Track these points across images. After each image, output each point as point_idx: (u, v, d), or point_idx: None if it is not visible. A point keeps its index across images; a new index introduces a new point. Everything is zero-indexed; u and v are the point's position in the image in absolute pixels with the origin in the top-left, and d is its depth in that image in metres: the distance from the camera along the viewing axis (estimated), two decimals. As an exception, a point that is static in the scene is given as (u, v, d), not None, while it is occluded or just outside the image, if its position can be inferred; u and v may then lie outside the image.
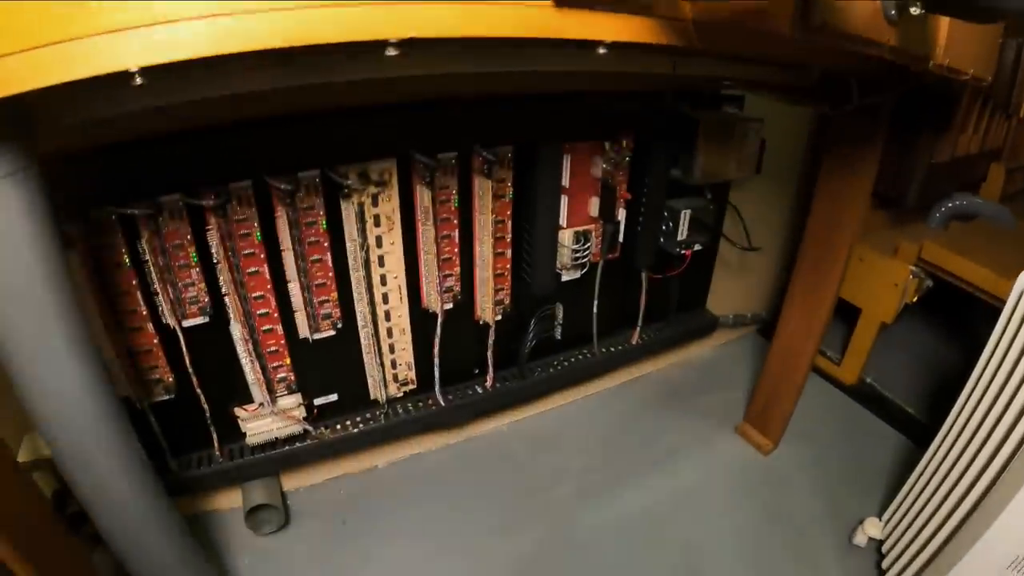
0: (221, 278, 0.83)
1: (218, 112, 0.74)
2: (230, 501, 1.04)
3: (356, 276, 0.89)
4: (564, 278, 1.04)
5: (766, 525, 1.05)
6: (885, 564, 0.96)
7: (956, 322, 1.57)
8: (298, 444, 0.96)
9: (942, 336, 1.57)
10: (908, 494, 0.96)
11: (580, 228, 1.01)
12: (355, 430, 0.98)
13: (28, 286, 0.53)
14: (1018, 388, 0.73)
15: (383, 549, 1.00)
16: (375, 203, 0.87)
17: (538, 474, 1.14)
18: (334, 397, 0.98)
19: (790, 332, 1.12)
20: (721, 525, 1.05)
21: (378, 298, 0.92)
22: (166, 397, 0.88)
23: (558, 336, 1.06)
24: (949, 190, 1.36)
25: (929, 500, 0.88)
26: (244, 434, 0.94)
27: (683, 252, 1.09)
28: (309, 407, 0.96)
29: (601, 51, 0.51)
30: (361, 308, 0.91)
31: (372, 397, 1.00)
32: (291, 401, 0.94)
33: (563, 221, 0.99)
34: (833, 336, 1.41)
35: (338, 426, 0.98)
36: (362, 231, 0.87)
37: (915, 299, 1.27)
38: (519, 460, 1.17)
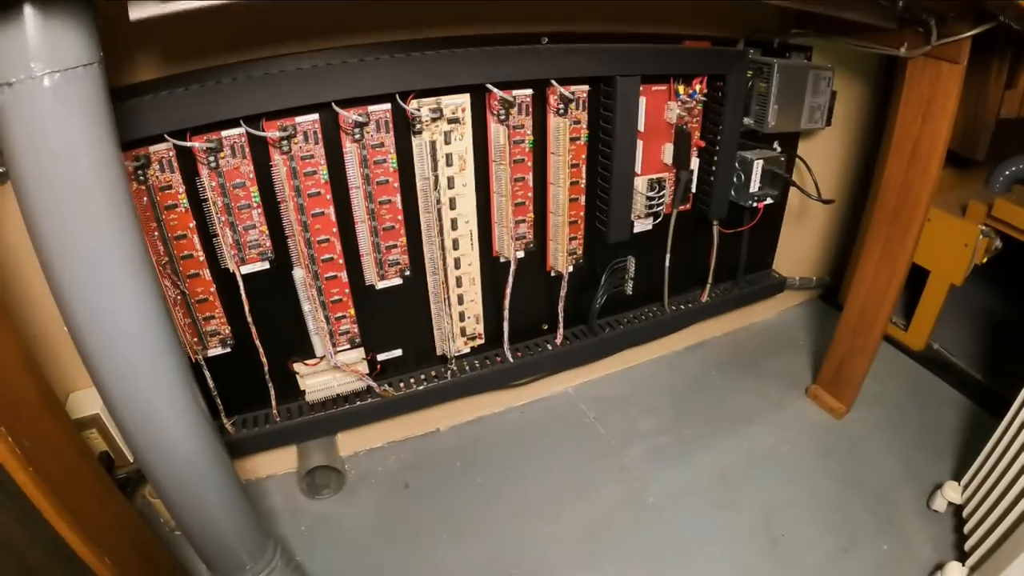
0: (284, 219, 0.78)
1: (290, 35, 0.70)
2: (285, 464, 0.98)
3: (426, 219, 0.83)
4: (636, 228, 0.99)
5: (844, 489, 1.01)
6: (967, 529, 0.92)
7: (1021, 285, 1.51)
8: (359, 402, 0.91)
9: (1008, 299, 1.52)
10: (986, 461, 0.91)
11: (654, 175, 0.95)
12: (420, 388, 0.93)
13: (86, 203, 0.46)
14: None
15: (448, 515, 0.95)
16: (447, 141, 0.81)
17: (608, 436, 1.09)
18: (398, 352, 0.93)
19: (865, 289, 1.06)
20: (799, 488, 1.00)
21: (448, 244, 0.87)
22: (222, 351, 0.83)
23: (628, 291, 1.00)
24: (1015, 150, 1.32)
25: (1008, 468, 0.84)
26: (302, 392, 0.89)
27: (755, 205, 1.04)
28: (372, 363, 0.90)
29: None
30: (431, 254, 0.85)
31: (439, 352, 0.95)
32: (354, 356, 0.88)
33: (637, 167, 0.94)
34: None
35: (402, 384, 0.93)
36: (433, 170, 0.81)
37: (985, 260, 1.22)
38: (587, 422, 1.12)
